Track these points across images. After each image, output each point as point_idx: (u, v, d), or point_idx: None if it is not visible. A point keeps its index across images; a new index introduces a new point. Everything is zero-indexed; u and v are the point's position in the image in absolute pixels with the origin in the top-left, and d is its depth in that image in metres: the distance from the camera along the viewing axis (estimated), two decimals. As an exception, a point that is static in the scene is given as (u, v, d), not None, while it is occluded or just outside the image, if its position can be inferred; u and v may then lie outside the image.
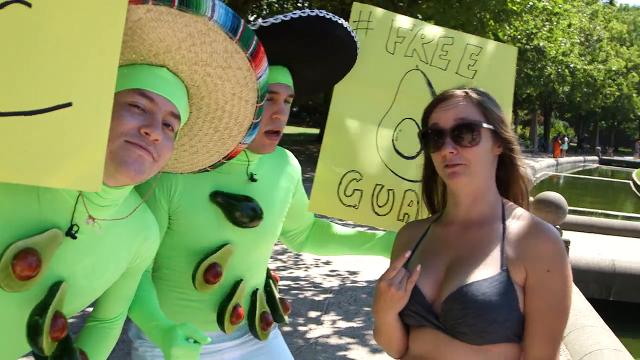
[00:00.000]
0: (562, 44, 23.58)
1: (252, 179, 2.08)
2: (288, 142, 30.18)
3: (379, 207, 2.42)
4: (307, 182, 2.39)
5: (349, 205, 2.42)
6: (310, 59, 2.07)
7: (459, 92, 1.79)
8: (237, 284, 2.08)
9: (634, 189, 28.19)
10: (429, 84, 2.44)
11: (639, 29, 69.69)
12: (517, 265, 1.64)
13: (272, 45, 1.75)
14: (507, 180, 1.81)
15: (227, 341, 2.15)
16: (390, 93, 2.45)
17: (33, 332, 1.46)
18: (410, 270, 1.73)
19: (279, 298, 2.31)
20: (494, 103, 1.78)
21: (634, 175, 31.26)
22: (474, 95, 1.78)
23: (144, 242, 1.77)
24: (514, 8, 16.75)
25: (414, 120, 2.43)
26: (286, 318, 2.30)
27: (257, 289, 2.19)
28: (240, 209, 1.99)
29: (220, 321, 2.05)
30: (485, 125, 1.72)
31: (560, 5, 19.95)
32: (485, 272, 1.64)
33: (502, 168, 1.80)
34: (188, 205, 1.98)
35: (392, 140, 2.43)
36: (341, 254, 2.54)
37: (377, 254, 2.43)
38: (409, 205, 2.41)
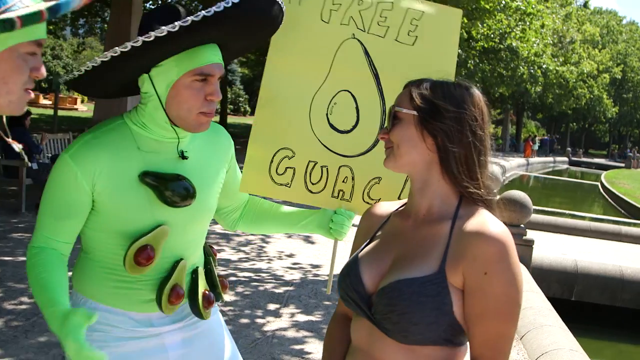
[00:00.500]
0: (535, 45, 23.71)
1: (182, 156, 2.02)
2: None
3: (313, 184, 2.35)
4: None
5: (281, 184, 2.35)
6: (240, 35, 2.02)
7: (408, 84, 1.75)
8: (176, 264, 2.03)
9: (602, 191, 28.55)
10: (367, 53, 2.35)
11: (611, 32, 70.58)
12: (455, 266, 1.54)
13: (212, 32, 1.84)
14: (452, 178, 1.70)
15: (168, 324, 2.08)
16: (324, 65, 2.35)
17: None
18: (360, 259, 1.71)
19: (218, 275, 2.25)
20: (435, 92, 1.66)
21: (602, 178, 31.66)
22: (413, 82, 1.72)
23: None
24: (487, 6, 16.79)
25: (349, 93, 2.35)
26: (224, 296, 2.25)
27: (197, 267, 2.14)
28: (172, 189, 1.93)
29: (158, 302, 2.01)
30: (404, 110, 1.66)
31: (533, 6, 20.04)
32: (422, 271, 1.56)
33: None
34: (116, 187, 1.92)
35: (326, 114, 2.35)
36: (276, 232, 2.50)
37: (312, 232, 2.37)
38: (343, 181, 2.35)
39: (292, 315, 5.64)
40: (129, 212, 1.93)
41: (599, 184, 30.89)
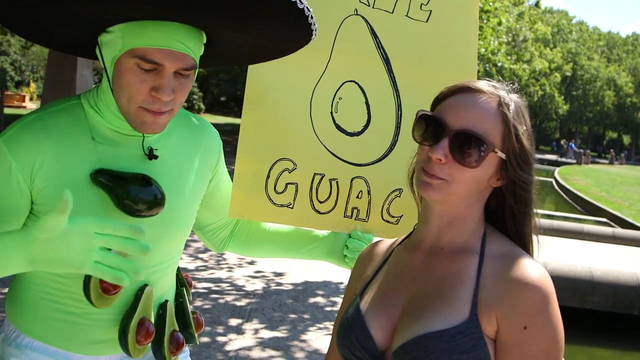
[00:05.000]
0: (491, 43, 23.69)
1: (151, 155, 1.55)
2: (218, 132, 29.38)
3: (320, 203, 1.94)
4: (232, 176, 1.90)
5: (282, 205, 1.92)
6: (229, 22, 1.48)
7: (493, 92, 1.32)
8: (140, 292, 1.58)
9: (556, 187, 28.78)
10: (373, 33, 1.94)
11: (562, 31, 71.84)
12: (489, 313, 1.24)
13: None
14: (507, 219, 1.38)
15: None
16: (323, 49, 1.93)
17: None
18: (362, 307, 1.36)
19: (192, 312, 1.80)
20: (525, 124, 1.33)
21: (556, 174, 31.98)
22: (508, 105, 1.31)
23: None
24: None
25: (356, 84, 1.94)
26: (197, 337, 1.79)
27: (167, 300, 1.68)
28: (133, 193, 1.47)
29: (123, 342, 1.55)
30: (497, 152, 1.29)
31: (490, 3, 19.97)
32: (450, 319, 1.24)
33: (499, 202, 1.38)
34: (59, 186, 1.45)
35: (331, 112, 1.94)
36: (274, 257, 2.04)
37: (319, 259, 1.95)
38: (357, 197, 1.94)
39: (256, 331, 5.21)
40: None
41: (552, 180, 31.14)
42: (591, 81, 71.16)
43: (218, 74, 43.21)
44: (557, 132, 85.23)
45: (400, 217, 1.97)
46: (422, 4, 1.96)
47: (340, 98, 1.94)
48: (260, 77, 1.91)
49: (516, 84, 1.40)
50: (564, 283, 8.22)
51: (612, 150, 64.43)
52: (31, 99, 40.22)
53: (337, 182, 1.94)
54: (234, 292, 6.28)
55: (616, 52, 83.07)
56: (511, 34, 43.59)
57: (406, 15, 1.96)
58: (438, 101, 1.37)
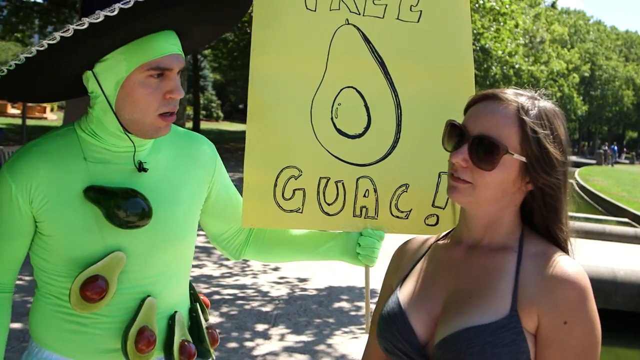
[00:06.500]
0: (508, 45, 23.65)
1: (141, 168, 1.67)
2: (236, 139, 29.57)
3: (328, 205, 2.01)
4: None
5: (291, 211, 2.00)
6: (201, 18, 1.70)
7: (513, 99, 1.38)
8: (142, 302, 1.67)
9: (577, 188, 28.62)
10: (366, 40, 2.02)
11: (579, 32, 71.36)
12: (529, 309, 1.31)
13: (163, 15, 1.52)
14: (537, 222, 1.43)
15: None
16: (319, 60, 2.02)
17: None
18: (402, 301, 1.44)
19: (206, 328, 1.87)
20: (550, 129, 1.37)
21: (576, 175, 31.79)
22: (527, 111, 1.36)
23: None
24: (464, 7, 16.62)
25: (354, 89, 2.02)
26: (213, 352, 1.86)
27: (176, 312, 1.76)
28: (119, 206, 1.58)
29: (123, 349, 1.64)
30: (513, 154, 1.34)
31: (507, 6, 19.94)
32: (490, 314, 1.31)
33: (535, 205, 1.43)
34: (56, 204, 1.60)
35: (331, 118, 2.01)
36: (290, 260, 2.12)
37: (334, 258, 2.02)
38: (364, 196, 2.01)
39: (283, 336, 5.30)
40: (73, 234, 1.60)
41: (573, 181, 30.88)
42: (610, 81, 70.54)
43: (236, 82, 43.46)
44: (576, 132, 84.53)
45: (410, 211, 2.02)
46: (411, 5, 2.02)
47: (339, 104, 2.01)
48: (261, 92, 2.00)
49: (542, 89, 1.46)
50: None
51: (625, 150, 63.90)
52: (52, 110, 40.72)
53: (342, 183, 2.01)
54: (259, 298, 6.37)
55: (634, 51, 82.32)
56: (528, 36, 43.39)
57: (397, 19, 2.02)
58: (466, 109, 1.45)
